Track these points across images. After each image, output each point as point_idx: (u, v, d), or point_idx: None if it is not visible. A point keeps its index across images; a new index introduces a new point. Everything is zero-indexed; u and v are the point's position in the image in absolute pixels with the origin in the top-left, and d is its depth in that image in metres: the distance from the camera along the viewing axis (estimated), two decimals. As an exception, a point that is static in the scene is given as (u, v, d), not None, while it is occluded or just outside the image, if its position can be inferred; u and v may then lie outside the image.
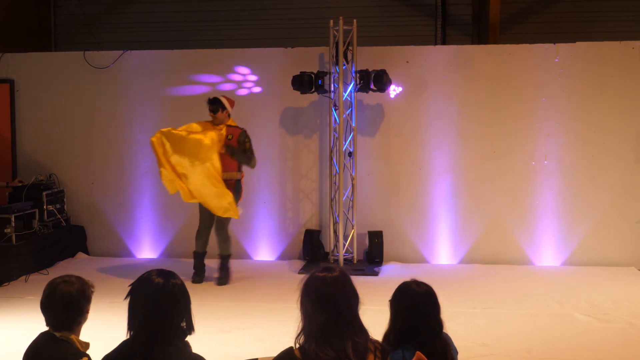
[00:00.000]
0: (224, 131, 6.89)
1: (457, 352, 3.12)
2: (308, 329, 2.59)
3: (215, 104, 6.89)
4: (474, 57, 7.87)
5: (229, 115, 6.97)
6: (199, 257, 7.07)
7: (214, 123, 6.92)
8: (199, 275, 7.03)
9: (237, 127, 7.02)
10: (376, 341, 2.67)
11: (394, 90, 7.78)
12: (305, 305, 2.60)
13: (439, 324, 3.00)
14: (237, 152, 6.86)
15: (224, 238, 7.01)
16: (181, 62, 8.28)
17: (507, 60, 7.80)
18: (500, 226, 7.83)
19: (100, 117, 8.37)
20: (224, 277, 6.99)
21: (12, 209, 7.30)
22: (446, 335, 3.07)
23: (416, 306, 2.96)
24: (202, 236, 7.04)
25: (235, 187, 6.88)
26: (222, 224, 6.96)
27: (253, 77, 8.12)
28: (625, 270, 7.48)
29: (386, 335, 2.99)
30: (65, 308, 3.00)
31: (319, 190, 8.07)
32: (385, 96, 7.81)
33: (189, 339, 2.78)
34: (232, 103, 7.04)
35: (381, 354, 2.61)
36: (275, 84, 8.05)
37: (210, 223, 6.99)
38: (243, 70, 8.14)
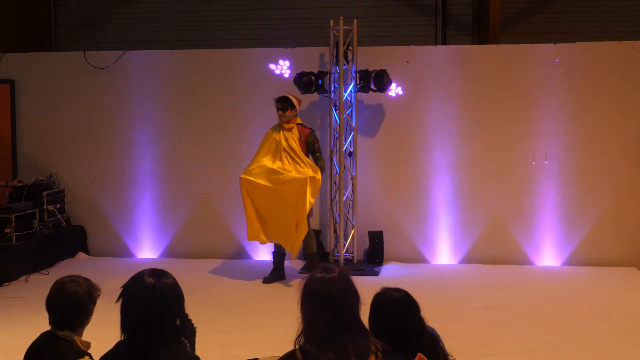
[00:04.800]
0: (295, 131, 6.96)
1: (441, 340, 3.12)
2: (308, 331, 2.58)
3: (284, 103, 6.91)
4: (474, 57, 7.88)
5: (296, 115, 7.02)
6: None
7: (282, 121, 6.95)
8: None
9: (305, 126, 7.11)
10: (378, 341, 2.66)
11: (394, 90, 7.77)
12: (304, 307, 2.59)
13: (421, 323, 3.00)
14: None
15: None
16: (181, 62, 8.28)
17: (507, 60, 7.81)
18: (500, 226, 7.83)
19: (100, 117, 8.38)
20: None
21: (13, 209, 7.31)
22: (430, 328, 3.07)
23: (399, 311, 2.96)
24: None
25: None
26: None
27: (253, 77, 8.13)
28: (625, 270, 7.49)
29: None
30: (71, 308, 3.00)
31: (319, 190, 8.05)
32: (385, 96, 7.80)
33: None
34: (299, 102, 7.11)
35: (382, 355, 2.60)
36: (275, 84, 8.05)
37: None
38: (243, 71, 8.15)
